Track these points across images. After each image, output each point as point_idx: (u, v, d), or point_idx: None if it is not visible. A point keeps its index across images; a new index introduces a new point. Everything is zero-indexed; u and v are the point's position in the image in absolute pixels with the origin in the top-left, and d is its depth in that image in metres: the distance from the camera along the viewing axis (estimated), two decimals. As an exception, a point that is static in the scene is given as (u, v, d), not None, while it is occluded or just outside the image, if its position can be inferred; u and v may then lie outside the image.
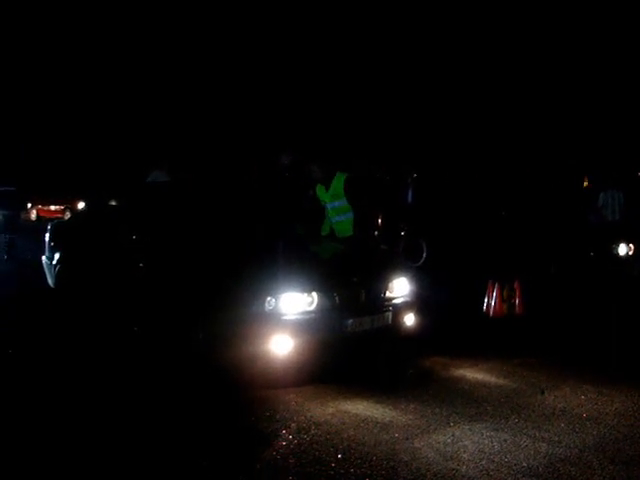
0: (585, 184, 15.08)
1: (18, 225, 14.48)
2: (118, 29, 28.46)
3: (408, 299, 6.39)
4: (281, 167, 9.31)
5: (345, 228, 8.22)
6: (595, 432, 4.70)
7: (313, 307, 5.64)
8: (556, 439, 4.56)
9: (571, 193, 12.94)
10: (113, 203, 9.30)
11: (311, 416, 4.92)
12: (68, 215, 22.00)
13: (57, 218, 20.49)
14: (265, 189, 8.77)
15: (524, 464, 4.14)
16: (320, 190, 8.40)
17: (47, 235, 8.37)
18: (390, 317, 6.07)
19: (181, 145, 24.61)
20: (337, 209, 8.27)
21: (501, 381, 5.85)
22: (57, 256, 7.86)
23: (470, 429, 4.71)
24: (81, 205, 22.66)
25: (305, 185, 8.73)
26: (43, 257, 8.34)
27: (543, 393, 5.52)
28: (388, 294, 6.22)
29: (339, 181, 8.22)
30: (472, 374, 6.04)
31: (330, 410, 5.05)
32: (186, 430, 4.66)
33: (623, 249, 11.07)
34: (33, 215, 25.46)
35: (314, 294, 5.65)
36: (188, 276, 6.18)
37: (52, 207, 24.42)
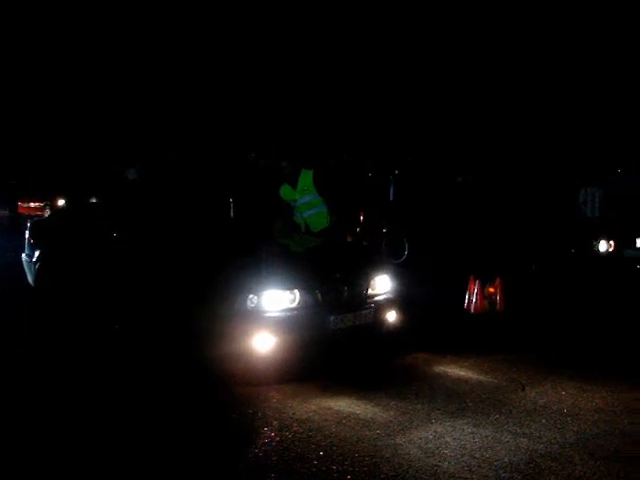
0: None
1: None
2: (106, 25, 28.21)
3: (390, 296, 6.42)
4: (254, 164, 9.34)
5: (318, 221, 8.32)
6: (576, 428, 4.73)
7: (295, 304, 5.64)
8: (537, 435, 4.59)
9: (555, 190, 13.02)
10: (93, 200, 9.26)
11: (293, 413, 4.91)
12: (48, 212, 21.82)
13: (37, 215, 20.33)
14: (240, 186, 8.78)
15: (505, 460, 4.16)
16: (286, 189, 8.44)
17: (27, 233, 8.29)
18: (372, 314, 6.09)
19: (158, 141, 24.51)
20: (308, 204, 8.33)
21: (482, 377, 5.88)
22: (37, 254, 7.79)
23: (452, 425, 4.72)
24: (61, 202, 22.50)
25: (277, 182, 8.76)
26: (23, 255, 8.26)
27: (524, 389, 5.56)
28: (370, 291, 6.23)
29: (307, 177, 8.30)
30: (453, 370, 6.06)
31: (312, 407, 5.04)
32: (167, 427, 4.64)
33: (603, 246, 11.17)
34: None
35: (296, 291, 5.65)
36: (169, 274, 6.16)
37: (32, 204, 24.17)
